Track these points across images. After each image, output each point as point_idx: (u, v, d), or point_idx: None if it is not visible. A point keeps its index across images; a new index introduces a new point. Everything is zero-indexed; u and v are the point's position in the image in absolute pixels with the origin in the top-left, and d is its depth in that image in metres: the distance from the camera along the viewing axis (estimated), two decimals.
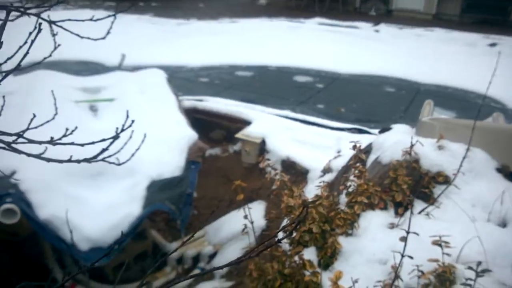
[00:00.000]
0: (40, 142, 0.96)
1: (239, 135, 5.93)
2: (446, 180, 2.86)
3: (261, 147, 5.81)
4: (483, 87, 3.98)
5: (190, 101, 6.92)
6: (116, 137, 1.02)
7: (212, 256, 4.79)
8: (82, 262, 3.45)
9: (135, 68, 6.85)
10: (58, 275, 4.18)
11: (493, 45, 11.22)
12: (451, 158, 2.96)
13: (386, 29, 13.26)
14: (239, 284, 4.03)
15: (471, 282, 1.84)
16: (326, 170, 4.65)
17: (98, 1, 17.11)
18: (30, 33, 0.96)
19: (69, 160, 1.02)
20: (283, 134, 5.92)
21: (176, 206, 3.61)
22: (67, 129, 1.03)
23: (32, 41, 0.94)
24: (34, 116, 1.04)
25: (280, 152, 5.55)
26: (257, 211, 4.97)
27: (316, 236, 2.49)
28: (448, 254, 2.10)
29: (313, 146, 5.65)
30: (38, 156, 0.97)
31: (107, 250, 3.46)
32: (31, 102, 4.34)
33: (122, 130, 1.05)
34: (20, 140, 0.94)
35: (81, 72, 7.39)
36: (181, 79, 8.53)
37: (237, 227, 4.41)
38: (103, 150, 1.02)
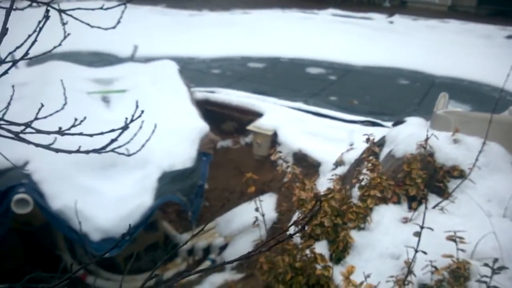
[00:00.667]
0: (48, 132, 0.95)
1: (250, 127, 5.90)
2: (461, 175, 2.81)
3: (273, 139, 5.78)
4: (499, 80, 3.86)
5: (202, 93, 6.91)
6: (125, 128, 1.01)
7: (223, 248, 4.79)
8: (93, 252, 3.47)
9: (147, 60, 6.85)
10: (70, 265, 4.23)
11: (510, 37, 10.98)
12: (466, 152, 2.90)
13: (400, 20, 13.06)
14: (250, 276, 4.03)
15: (487, 279, 1.79)
16: (339, 163, 4.60)
17: None
18: (39, 22, 0.95)
19: (78, 151, 1.01)
20: (295, 127, 5.88)
21: (187, 198, 3.61)
22: (75, 119, 1.02)
23: (40, 29, 0.92)
24: (42, 106, 1.03)
25: (292, 144, 5.52)
26: (268, 203, 4.96)
27: (327, 229, 2.47)
28: (462, 250, 2.06)
29: (325, 139, 5.61)
30: (46, 147, 0.96)
31: (118, 241, 3.48)
32: (44, 93, 4.36)
33: (132, 121, 1.03)
34: (29, 130, 0.93)
35: (94, 63, 7.41)
36: (193, 71, 8.51)
37: (248, 219, 4.39)
38: (112, 141, 1.01)
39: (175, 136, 4.28)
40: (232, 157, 6.24)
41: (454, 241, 2.05)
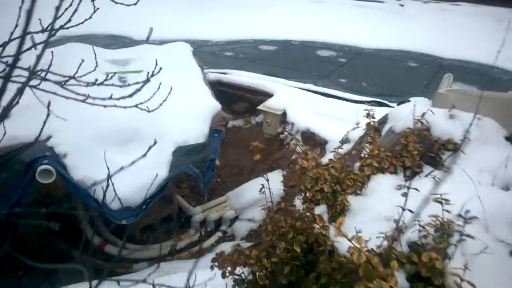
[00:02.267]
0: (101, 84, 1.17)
1: (261, 106, 6.11)
2: (455, 148, 2.99)
3: (282, 119, 5.98)
4: (509, 63, 3.92)
5: (214, 74, 7.11)
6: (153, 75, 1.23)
7: (234, 220, 5.06)
8: (112, 220, 3.74)
9: (162, 42, 7.06)
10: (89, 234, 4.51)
11: None
12: (461, 126, 3.07)
13: (411, 3, 13.03)
14: (257, 245, 4.27)
15: (461, 228, 2.01)
16: (344, 141, 4.79)
17: None
18: None
19: (114, 101, 1.22)
20: (304, 106, 6.06)
21: (200, 170, 3.84)
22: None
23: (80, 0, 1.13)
24: (83, 61, 1.24)
25: (300, 123, 5.71)
26: (276, 179, 5.20)
27: (327, 195, 2.68)
28: (448, 211, 2.25)
29: (333, 118, 5.79)
30: (84, 99, 1.18)
31: (136, 210, 3.75)
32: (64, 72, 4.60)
33: (153, 75, 1.25)
34: (71, 82, 1.15)
35: (109, 46, 7.65)
36: (207, 53, 8.71)
37: (257, 194, 4.62)
38: (137, 91, 1.22)
39: (189, 113, 4.51)
40: (243, 136, 6.46)
41: (440, 202, 2.24)
